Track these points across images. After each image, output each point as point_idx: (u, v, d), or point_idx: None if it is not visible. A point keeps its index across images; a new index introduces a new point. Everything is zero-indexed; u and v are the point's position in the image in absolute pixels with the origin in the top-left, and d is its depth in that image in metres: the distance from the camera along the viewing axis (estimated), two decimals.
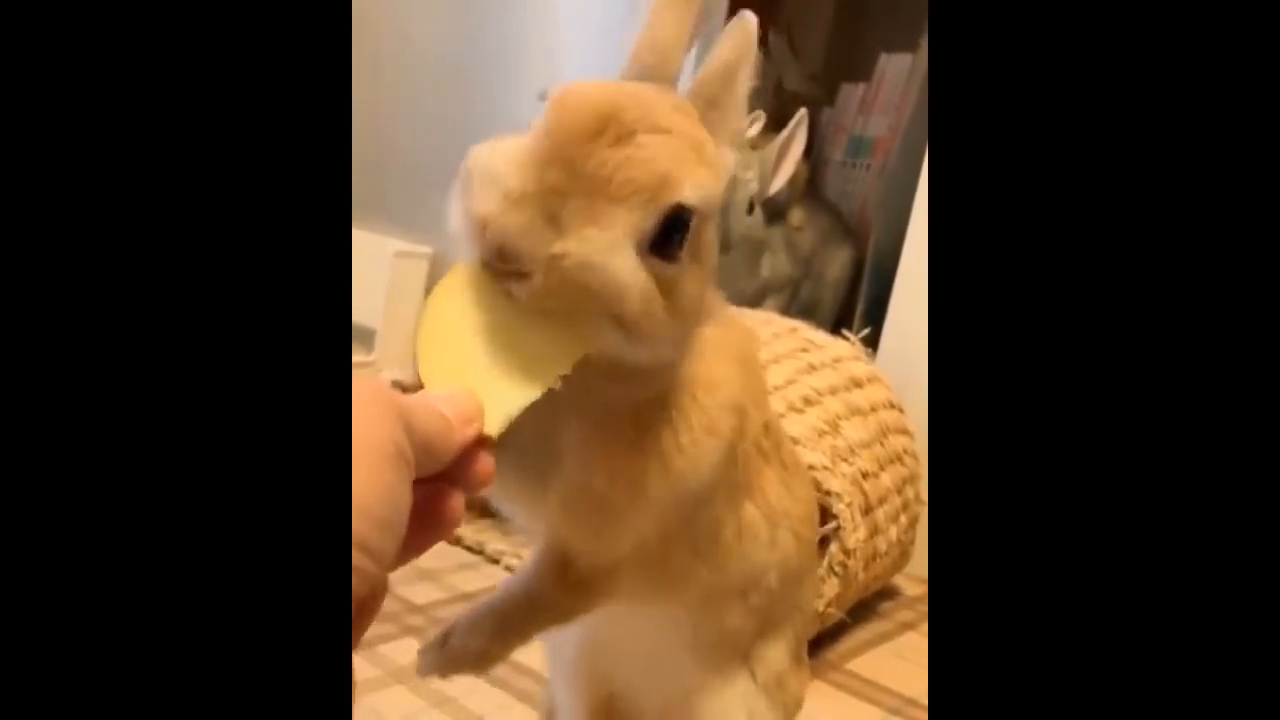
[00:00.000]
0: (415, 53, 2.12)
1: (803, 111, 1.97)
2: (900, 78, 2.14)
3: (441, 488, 0.47)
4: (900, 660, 1.30)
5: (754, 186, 1.96)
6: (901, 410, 1.47)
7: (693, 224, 0.54)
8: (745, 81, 0.58)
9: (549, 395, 0.54)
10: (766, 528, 0.69)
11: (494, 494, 0.64)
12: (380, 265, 2.01)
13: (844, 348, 1.46)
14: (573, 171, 0.51)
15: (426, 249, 2.09)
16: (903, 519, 1.39)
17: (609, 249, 0.51)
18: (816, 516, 0.82)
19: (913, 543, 1.46)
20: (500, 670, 1.02)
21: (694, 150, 0.55)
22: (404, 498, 0.41)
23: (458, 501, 0.48)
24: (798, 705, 0.80)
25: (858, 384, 1.40)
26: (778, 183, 1.94)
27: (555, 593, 0.62)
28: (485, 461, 0.48)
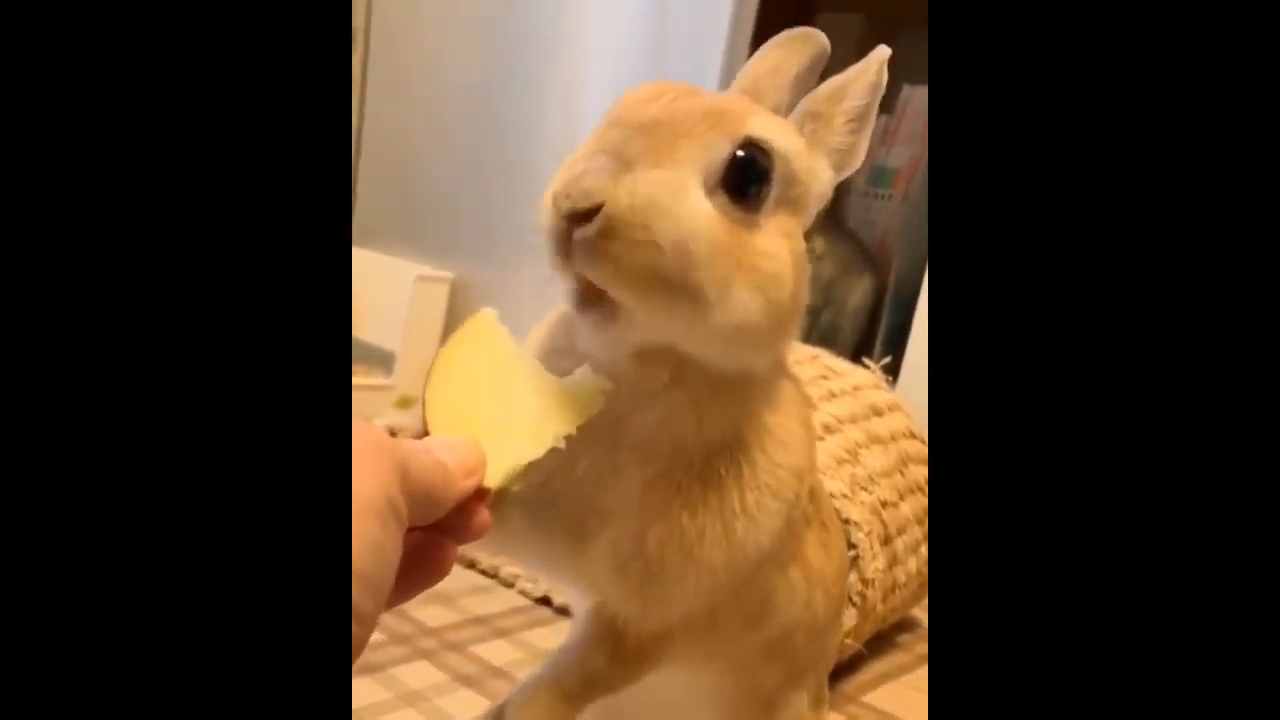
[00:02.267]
0: (441, 83, 2.14)
1: None
2: (923, 109, 2.14)
3: (436, 537, 0.47)
4: (918, 693, 1.28)
5: None
6: (922, 440, 1.45)
7: (774, 175, 0.52)
8: (856, 103, 0.58)
9: (609, 440, 0.53)
10: (805, 589, 0.68)
11: (517, 550, 0.63)
12: (401, 289, 2.02)
13: (864, 376, 1.45)
14: (633, 124, 0.51)
15: (448, 274, 2.09)
16: (922, 550, 1.37)
17: (677, 185, 0.49)
18: (848, 569, 0.80)
19: None
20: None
21: (764, 110, 0.55)
22: (393, 554, 0.40)
23: (451, 552, 0.47)
24: None
25: (878, 412, 1.38)
26: None
27: (608, 666, 0.60)
28: (483, 514, 0.48)
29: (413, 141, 2.12)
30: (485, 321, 0.53)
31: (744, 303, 0.51)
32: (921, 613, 1.53)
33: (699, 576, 0.57)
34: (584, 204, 0.47)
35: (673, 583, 0.57)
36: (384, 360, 2.06)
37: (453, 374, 0.50)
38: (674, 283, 0.48)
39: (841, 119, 0.58)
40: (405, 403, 2.07)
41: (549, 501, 0.59)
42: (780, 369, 0.61)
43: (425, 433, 0.49)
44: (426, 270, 2.07)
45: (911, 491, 1.36)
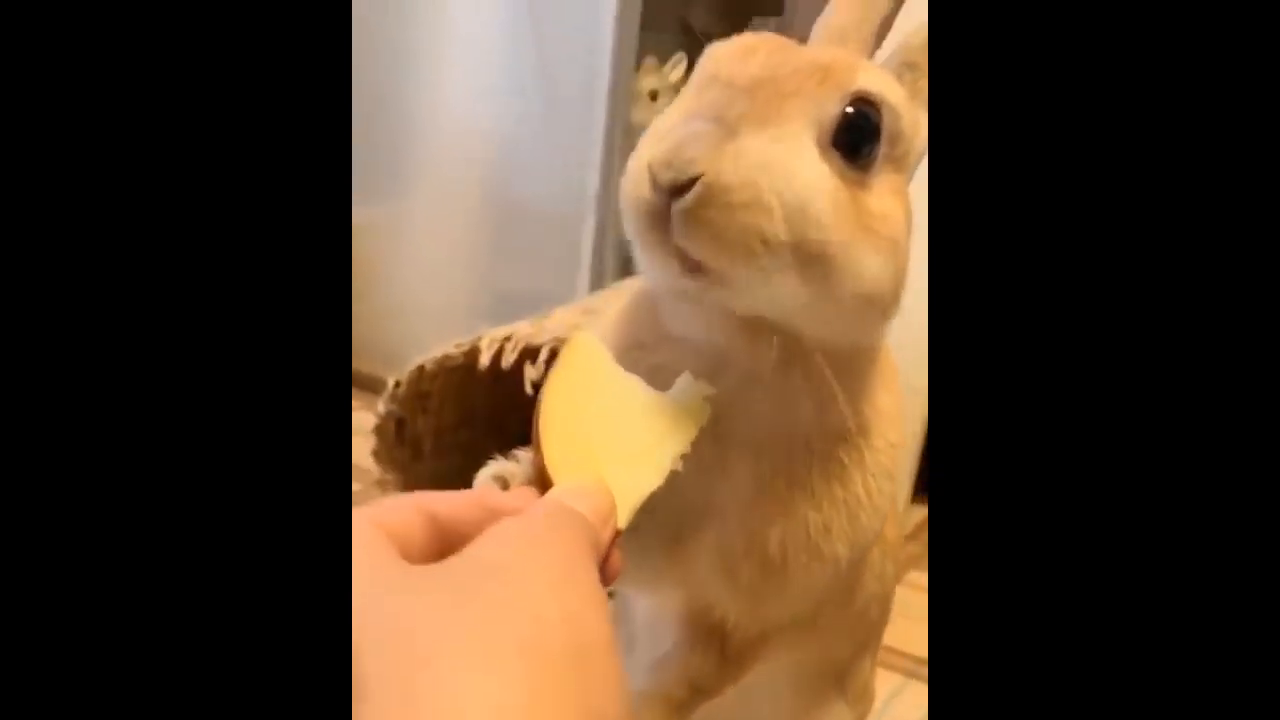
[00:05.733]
0: None
1: None
2: (815, 8, 2.08)
3: None
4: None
5: None
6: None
7: (884, 130, 0.48)
8: None
9: (712, 435, 0.50)
10: (880, 562, 0.66)
11: None
12: None
13: None
14: (733, 85, 0.46)
15: None
16: None
17: (789, 144, 0.45)
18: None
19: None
20: None
21: (871, 63, 0.51)
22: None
23: None
24: (872, 702, 0.79)
25: None
26: None
27: (716, 670, 0.57)
28: (616, 558, 0.45)
29: None
30: (584, 346, 0.50)
31: (871, 270, 0.47)
32: None
33: (822, 572, 0.55)
34: (688, 174, 0.43)
35: (794, 581, 0.54)
36: None
37: (562, 409, 0.48)
38: (793, 248, 0.45)
39: None
40: None
41: (644, 511, 0.54)
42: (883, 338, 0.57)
43: (538, 476, 0.46)
44: None
45: None
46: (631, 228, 0.47)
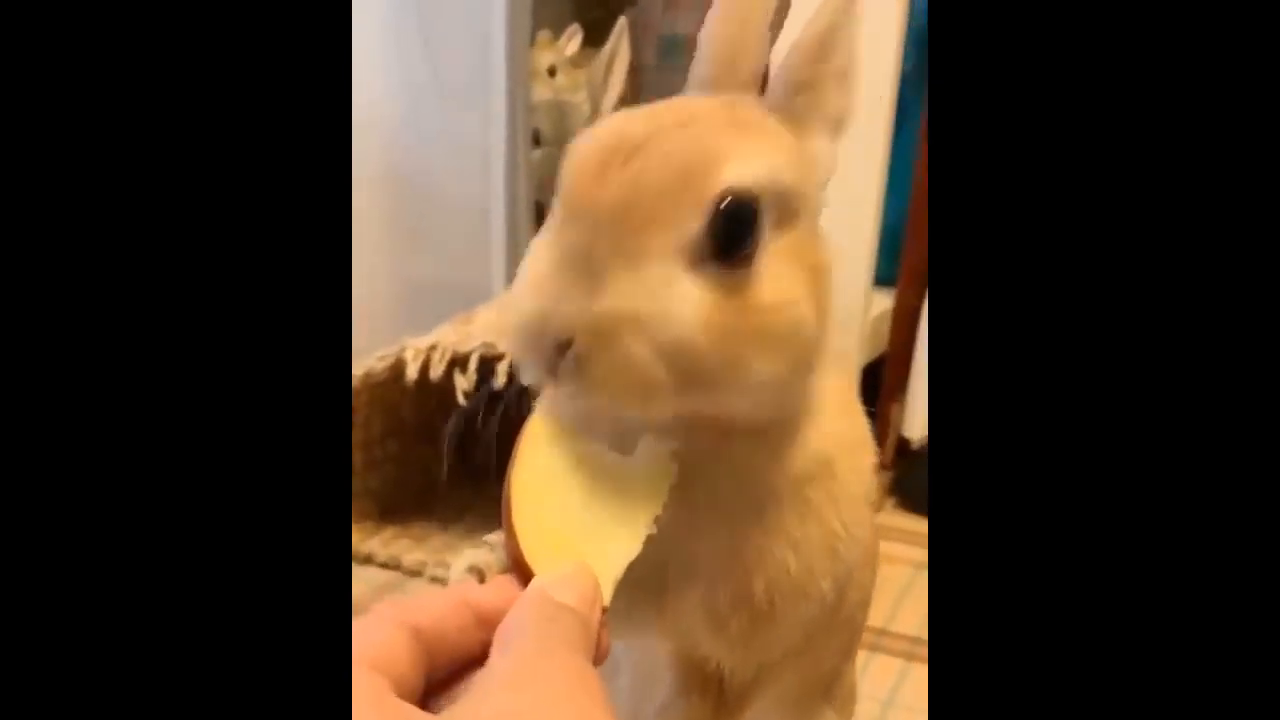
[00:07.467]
0: None
1: (623, 20, 1.85)
2: None
3: None
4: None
5: (586, 108, 1.84)
6: None
7: (762, 214, 0.45)
8: (847, 54, 0.49)
9: (676, 501, 0.48)
10: (860, 573, 0.64)
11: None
12: None
13: None
14: (589, 218, 0.44)
15: None
16: None
17: (656, 284, 0.43)
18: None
19: None
20: None
21: (734, 127, 0.46)
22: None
23: None
24: (855, 701, 0.78)
25: None
26: (609, 99, 1.83)
27: (715, 714, 0.57)
28: (605, 638, 0.44)
29: None
30: (541, 426, 0.49)
31: (764, 371, 0.46)
32: None
33: (809, 610, 0.54)
34: (565, 337, 0.43)
35: (784, 623, 0.53)
36: None
37: (530, 494, 0.47)
38: (678, 386, 0.44)
39: (833, 81, 0.50)
40: None
41: (626, 574, 0.52)
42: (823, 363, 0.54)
43: (515, 564, 0.45)
44: None
45: None
46: (526, 374, 0.46)
